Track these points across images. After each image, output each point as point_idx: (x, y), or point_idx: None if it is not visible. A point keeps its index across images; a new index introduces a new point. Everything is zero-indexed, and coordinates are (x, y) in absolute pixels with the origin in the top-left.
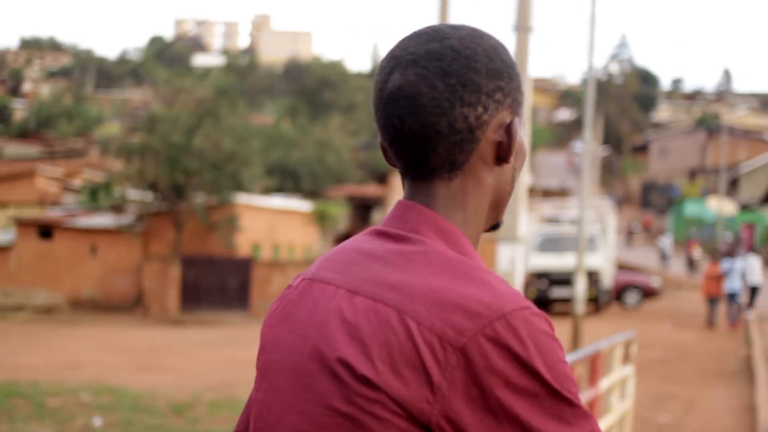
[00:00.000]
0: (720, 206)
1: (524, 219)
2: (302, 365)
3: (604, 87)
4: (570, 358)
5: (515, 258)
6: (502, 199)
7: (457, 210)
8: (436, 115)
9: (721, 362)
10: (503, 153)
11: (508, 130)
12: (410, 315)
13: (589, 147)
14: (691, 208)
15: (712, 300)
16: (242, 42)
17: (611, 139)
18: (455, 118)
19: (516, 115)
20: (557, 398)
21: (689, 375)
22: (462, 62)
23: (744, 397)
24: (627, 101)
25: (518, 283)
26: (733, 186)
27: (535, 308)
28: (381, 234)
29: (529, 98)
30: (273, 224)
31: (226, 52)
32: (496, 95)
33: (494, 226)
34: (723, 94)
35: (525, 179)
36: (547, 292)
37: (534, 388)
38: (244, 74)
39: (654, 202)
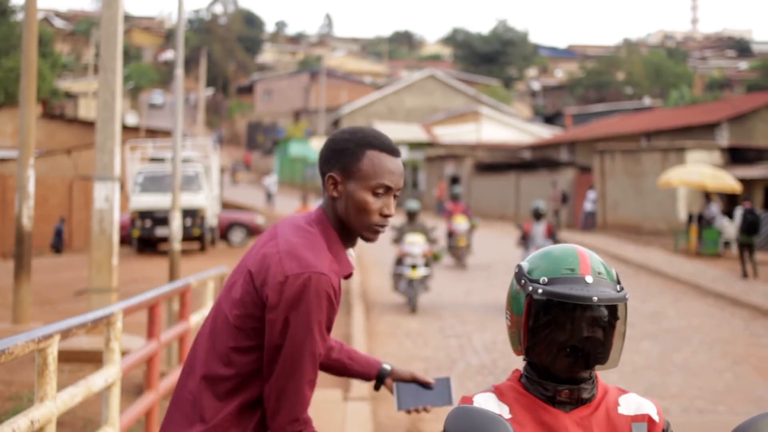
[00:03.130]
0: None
1: (119, 158)
2: (235, 276)
3: (209, 28)
4: (157, 292)
5: (111, 196)
6: (347, 215)
7: (330, 213)
8: (319, 166)
9: None
10: (332, 192)
11: (334, 181)
12: (280, 261)
13: (180, 87)
14: (295, 149)
15: None
16: None
17: (218, 80)
18: (322, 170)
19: (341, 175)
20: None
21: None
22: (327, 146)
23: (341, 327)
24: (232, 43)
25: (116, 220)
26: (335, 127)
27: (323, 274)
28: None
29: (121, 37)
30: None
31: None
32: (332, 163)
33: (354, 232)
34: (324, 38)
35: (127, 119)
36: (151, 231)
37: (290, 315)
38: None
39: (260, 142)
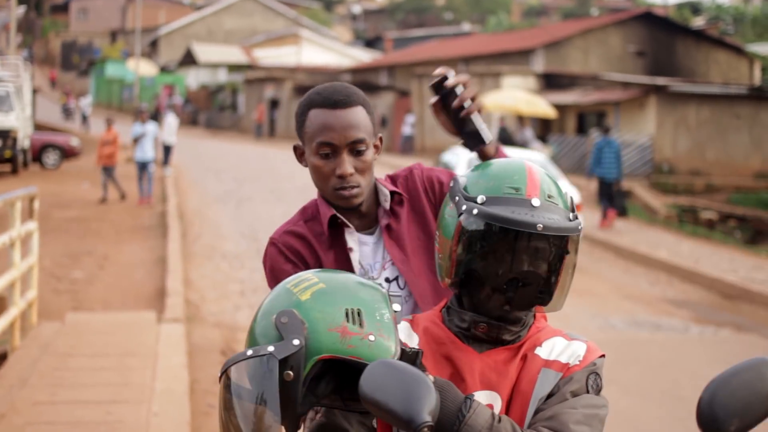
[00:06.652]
0: (139, 67)
1: None
2: None
3: None
4: None
5: None
6: (315, 184)
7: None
8: None
9: (138, 219)
10: (301, 164)
11: (300, 152)
12: None
13: None
14: (112, 70)
15: (106, 169)
16: None
17: None
18: None
19: (302, 143)
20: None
21: (106, 232)
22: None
23: (156, 250)
24: None
25: None
26: (153, 48)
27: (279, 236)
28: None
29: None
30: None
31: None
32: (297, 133)
33: (329, 199)
34: None
35: None
36: None
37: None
38: None
39: (75, 62)
